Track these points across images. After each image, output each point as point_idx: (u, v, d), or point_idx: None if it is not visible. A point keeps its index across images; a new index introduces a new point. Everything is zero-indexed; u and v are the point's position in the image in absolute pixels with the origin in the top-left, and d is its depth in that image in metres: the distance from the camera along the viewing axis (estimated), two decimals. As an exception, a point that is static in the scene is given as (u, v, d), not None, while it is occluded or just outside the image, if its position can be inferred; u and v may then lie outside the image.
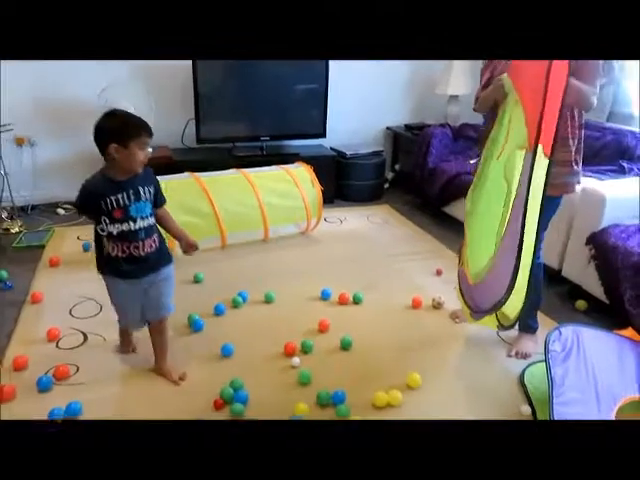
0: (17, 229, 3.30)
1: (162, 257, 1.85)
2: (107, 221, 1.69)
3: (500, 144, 1.90)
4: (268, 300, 2.52)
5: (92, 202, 1.68)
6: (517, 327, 2.22)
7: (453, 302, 2.46)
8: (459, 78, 3.96)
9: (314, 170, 3.30)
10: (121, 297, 1.87)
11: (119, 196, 1.69)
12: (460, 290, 2.17)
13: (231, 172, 3.20)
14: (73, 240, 3.17)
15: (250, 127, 3.89)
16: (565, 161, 1.89)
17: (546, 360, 1.67)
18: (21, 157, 3.60)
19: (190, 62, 3.49)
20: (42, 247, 3.06)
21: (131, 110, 3.36)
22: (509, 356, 2.14)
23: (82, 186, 1.71)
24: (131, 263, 1.77)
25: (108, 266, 1.79)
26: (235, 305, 2.45)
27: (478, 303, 1.93)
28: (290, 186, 3.18)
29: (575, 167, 1.92)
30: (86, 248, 3.02)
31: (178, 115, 3.78)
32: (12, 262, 2.86)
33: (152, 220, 1.79)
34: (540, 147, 1.59)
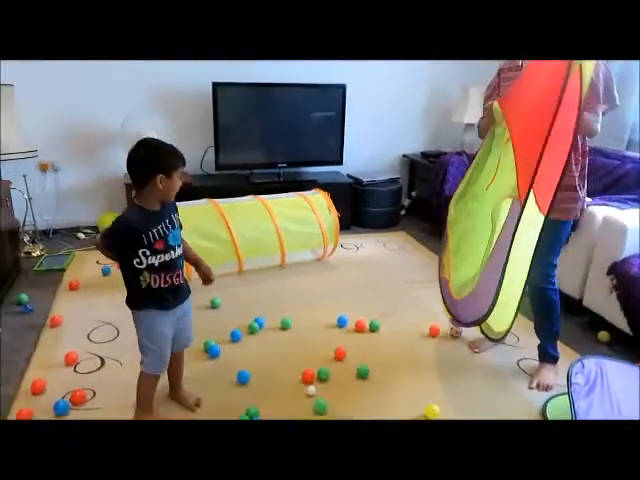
0: (38, 253, 3.36)
1: (187, 285, 1.83)
2: (147, 253, 1.62)
3: (489, 175, 1.93)
4: (284, 326, 2.51)
5: (132, 237, 1.60)
6: (537, 357, 2.19)
7: (471, 331, 2.42)
8: (475, 106, 3.99)
9: (331, 197, 3.33)
10: (159, 331, 1.74)
11: (159, 227, 1.65)
12: (442, 297, 2.24)
13: (249, 198, 3.24)
14: (92, 264, 3.21)
15: (267, 154, 3.95)
16: (568, 185, 1.89)
17: (569, 393, 1.63)
18: (44, 182, 3.69)
19: (210, 91, 3.58)
20: (62, 271, 3.11)
21: (154, 137, 3.44)
22: (530, 388, 2.09)
23: (119, 222, 1.62)
24: (171, 293, 1.73)
25: (148, 299, 1.69)
26: (251, 331, 2.45)
27: (461, 316, 2.03)
28: (307, 212, 3.20)
29: (579, 192, 1.93)
30: (105, 272, 3.05)
31: (197, 142, 3.86)
32: (33, 285, 2.91)
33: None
34: (534, 202, 1.63)
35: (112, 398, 1.97)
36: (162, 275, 1.68)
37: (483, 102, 2.16)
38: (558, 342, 2.16)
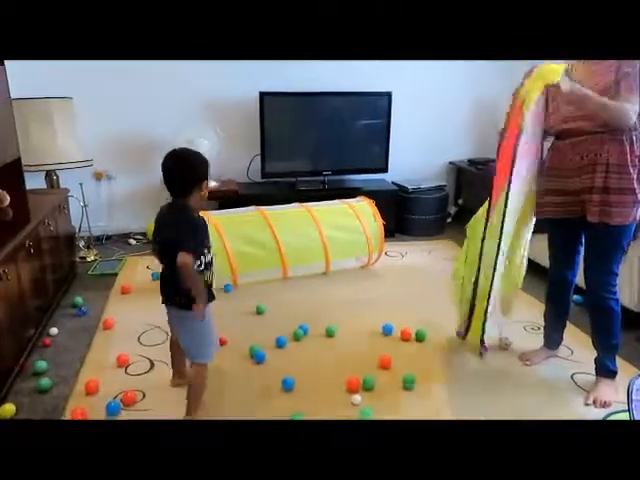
0: (92, 257, 3.50)
1: None
2: (205, 252, 1.76)
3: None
4: (329, 334, 2.50)
5: (201, 236, 1.75)
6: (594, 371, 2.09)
7: (521, 342, 2.35)
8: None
9: (376, 204, 3.31)
10: (211, 322, 1.87)
11: (206, 227, 1.82)
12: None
13: (294, 206, 3.26)
14: (143, 269, 3.31)
15: (313, 162, 3.97)
16: (623, 189, 1.81)
17: (629, 410, 1.55)
18: (99, 190, 3.84)
19: (257, 100, 3.64)
20: (115, 275, 3.21)
21: (205, 145, 3.55)
22: (587, 404, 1.99)
23: (189, 225, 1.71)
24: (209, 288, 1.85)
25: (207, 295, 1.80)
26: (296, 338, 2.46)
27: None
28: (352, 220, 3.19)
29: (637, 195, 1.83)
30: (155, 277, 3.14)
31: (244, 151, 3.93)
32: (87, 289, 3.02)
33: None
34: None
35: (161, 400, 2.01)
36: (208, 272, 1.80)
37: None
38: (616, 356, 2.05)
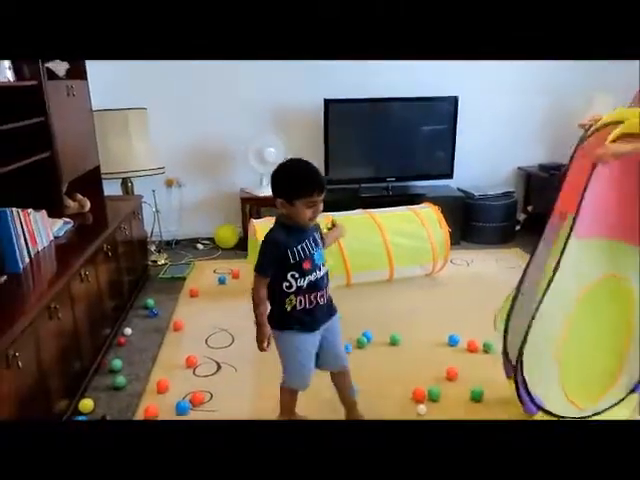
0: (163, 261, 3.64)
1: (332, 303, 1.80)
2: (297, 275, 1.63)
3: None
4: (393, 342, 2.47)
5: (279, 253, 1.60)
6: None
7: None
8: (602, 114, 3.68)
9: (441, 211, 3.24)
10: (302, 351, 1.73)
11: (304, 245, 1.64)
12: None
13: (358, 212, 3.25)
14: (210, 273, 3.41)
15: (376, 168, 3.95)
16: None
17: None
18: (170, 196, 4.00)
19: (322, 107, 3.67)
20: (184, 279, 3.33)
21: (272, 154, 3.61)
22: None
23: (266, 239, 1.64)
24: (315, 313, 1.70)
25: (293, 320, 1.68)
26: (360, 345, 2.44)
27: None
28: (417, 227, 3.14)
29: None
30: (221, 281, 3.22)
31: (308, 157, 3.90)
32: (158, 292, 3.15)
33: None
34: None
35: (227, 402, 2.06)
36: (307, 296, 1.66)
37: None
38: None
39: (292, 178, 1.61)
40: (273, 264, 1.62)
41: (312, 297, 1.67)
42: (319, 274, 1.67)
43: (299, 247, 1.62)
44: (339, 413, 1.92)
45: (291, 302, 1.66)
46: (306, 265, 1.63)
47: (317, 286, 1.67)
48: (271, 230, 1.66)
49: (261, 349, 1.67)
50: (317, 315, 1.71)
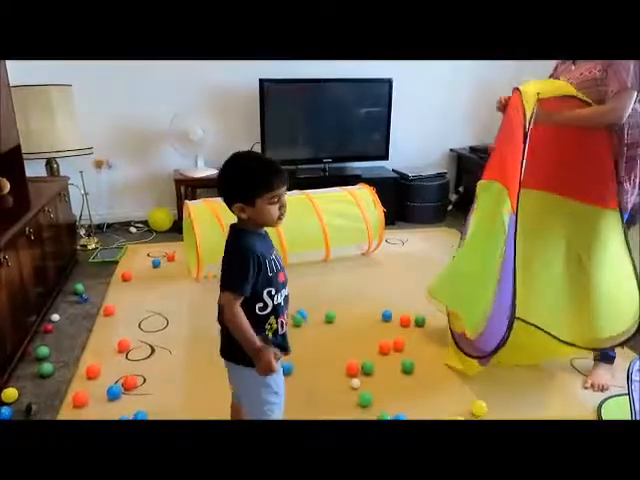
0: (93, 245, 3.51)
1: None
2: (273, 292, 1.33)
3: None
4: (329, 320, 2.51)
5: (256, 264, 1.29)
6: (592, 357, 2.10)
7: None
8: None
9: (376, 192, 3.30)
10: (280, 384, 1.42)
11: (275, 253, 1.38)
12: (461, 350, 2.09)
13: (294, 193, 3.25)
14: (143, 257, 3.32)
15: (313, 149, 3.96)
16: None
17: (629, 391, 1.56)
18: (99, 178, 3.83)
19: (257, 87, 3.62)
20: (115, 263, 3.22)
21: (199, 133, 3.53)
22: (585, 388, 2.01)
23: (237, 248, 1.31)
24: (285, 338, 1.42)
25: (280, 347, 1.37)
26: (296, 324, 2.46)
27: (483, 348, 1.93)
28: (352, 207, 3.19)
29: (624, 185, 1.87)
30: (156, 265, 3.15)
31: (244, 138, 3.91)
32: (88, 277, 3.03)
33: None
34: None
35: (161, 385, 2.03)
36: (281, 317, 1.38)
37: None
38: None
39: (246, 174, 1.31)
40: (252, 278, 1.29)
41: (284, 319, 1.40)
42: (287, 290, 1.42)
43: (272, 257, 1.35)
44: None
45: (272, 327, 1.35)
46: (281, 278, 1.37)
47: (287, 305, 1.42)
48: (235, 238, 1.34)
49: (273, 370, 1.29)
50: (285, 341, 1.42)
